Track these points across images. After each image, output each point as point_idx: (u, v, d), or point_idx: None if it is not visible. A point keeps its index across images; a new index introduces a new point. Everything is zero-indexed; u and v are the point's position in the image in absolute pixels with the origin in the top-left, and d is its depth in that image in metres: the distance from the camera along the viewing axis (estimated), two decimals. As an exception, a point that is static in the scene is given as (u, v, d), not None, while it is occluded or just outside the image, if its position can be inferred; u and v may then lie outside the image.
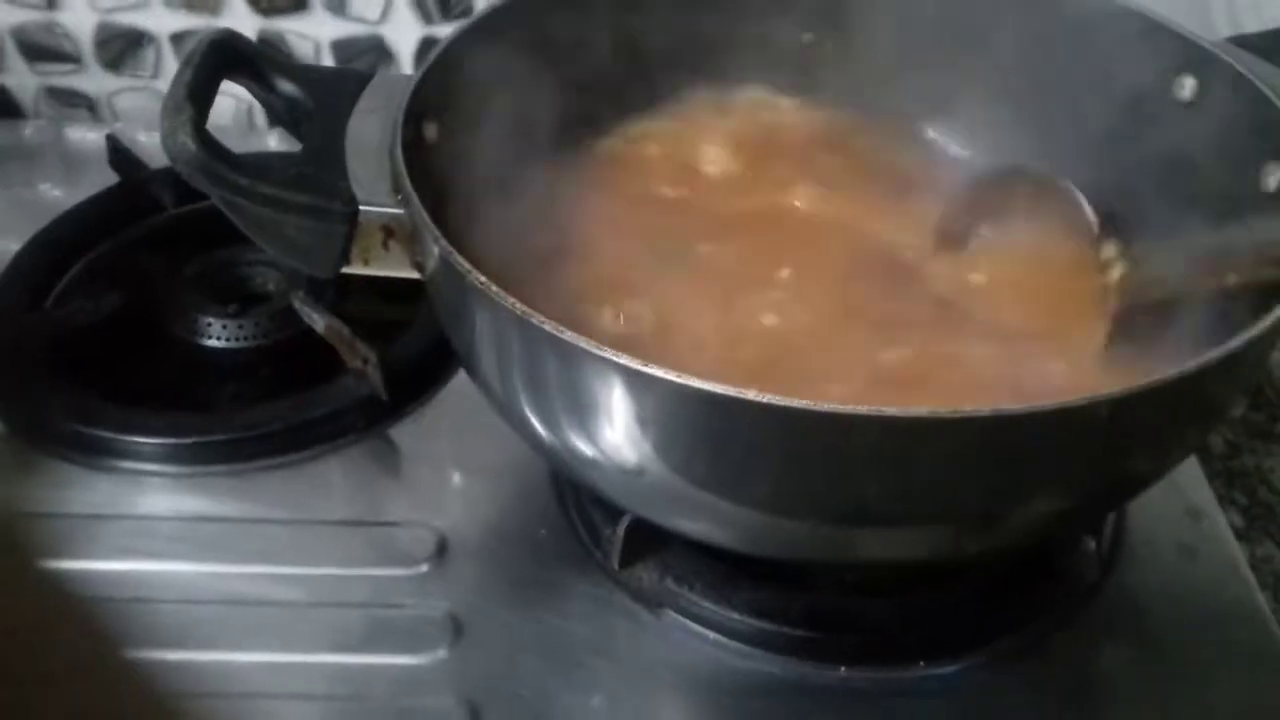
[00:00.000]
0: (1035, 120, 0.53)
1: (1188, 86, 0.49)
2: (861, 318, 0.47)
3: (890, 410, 0.34)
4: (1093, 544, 0.48)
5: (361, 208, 0.41)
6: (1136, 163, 0.50)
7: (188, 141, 0.38)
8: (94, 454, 0.51)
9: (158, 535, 0.48)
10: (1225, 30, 0.57)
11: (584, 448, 0.40)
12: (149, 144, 0.67)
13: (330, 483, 0.51)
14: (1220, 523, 0.52)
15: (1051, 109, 0.53)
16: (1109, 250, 0.48)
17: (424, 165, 0.44)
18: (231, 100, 0.71)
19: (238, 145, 0.44)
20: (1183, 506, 0.52)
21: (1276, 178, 0.46)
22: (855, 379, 0.44)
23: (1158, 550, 0.50)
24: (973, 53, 0.54)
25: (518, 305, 0.37)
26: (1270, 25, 0.51)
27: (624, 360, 0.35)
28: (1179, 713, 0.45)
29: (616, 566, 0.47)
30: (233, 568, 0.47)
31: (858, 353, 0.45)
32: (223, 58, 0.43)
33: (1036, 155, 0.52)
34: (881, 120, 0.56)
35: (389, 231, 0.41)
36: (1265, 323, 0.37)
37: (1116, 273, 0.47)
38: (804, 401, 0.34)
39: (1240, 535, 0.59)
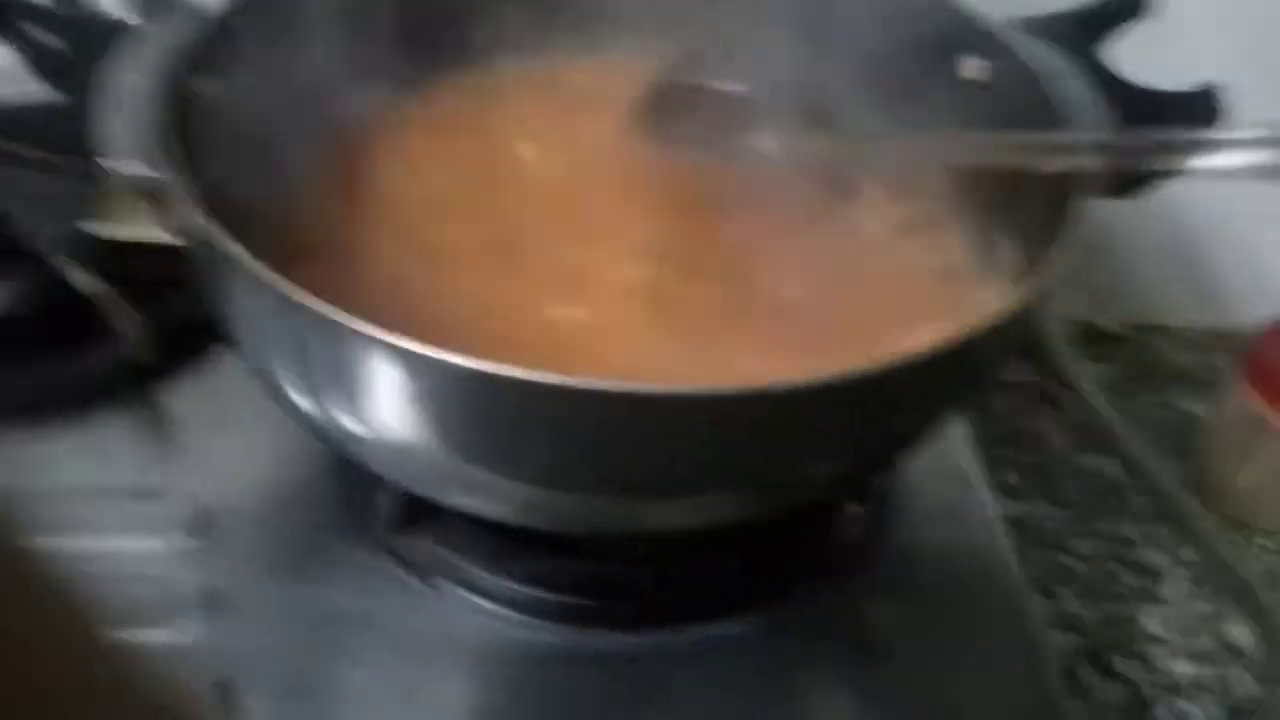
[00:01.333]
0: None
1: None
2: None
3: (642, 388, 0.34)
4: (857, 507, 0.50)
5: (112, 166, 0.38)
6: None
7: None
8: None
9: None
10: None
11: (350, 425, 0.39)
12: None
13: (89, 450, 0.49)
14: (982, 487, 0.54)
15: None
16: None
17: (193, 123, 0.41)
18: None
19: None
20: (949, 469, 0.54)
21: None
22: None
23: (925, 512, 0.52)
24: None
25: (273, 276, 0.35)
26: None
27: (385, 336, 0.34)
28: (942, 671, 0.46)
29: (388, 537, 0.46)
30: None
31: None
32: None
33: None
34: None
35: (146, 196, 0.39)
36: (1023, 295, 0.39)
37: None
38: (560, 377, 0.34)
39: (1015, 494, 0.62)
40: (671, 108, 0.51)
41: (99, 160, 0.38)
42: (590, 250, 0.47)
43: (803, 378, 0.34)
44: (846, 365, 0.35)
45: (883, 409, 0.39)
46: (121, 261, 0.52)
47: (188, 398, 0.51)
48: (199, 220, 0.36)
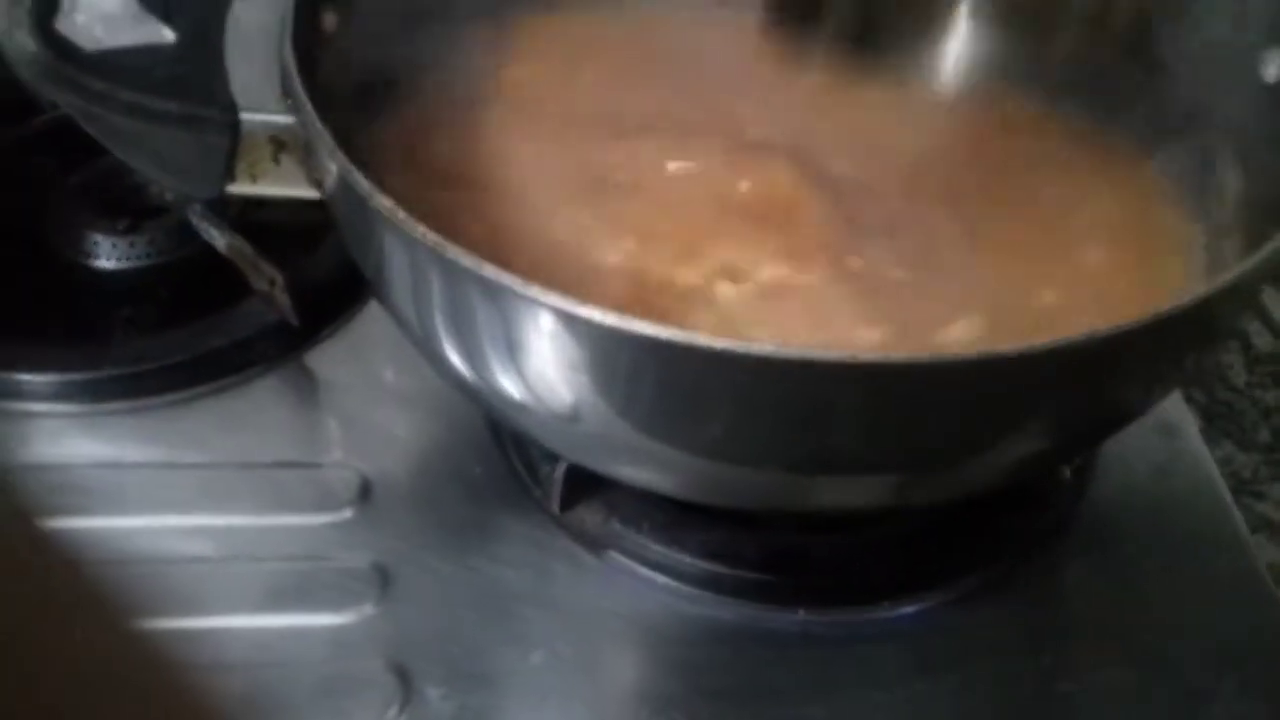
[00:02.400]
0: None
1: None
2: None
3: (856, 355, 0.30)
4: (1065, 471, 0.45)
5: (244, 116, 0.35)
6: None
7: (28, 41, 0.32)
8: (-29, 394, 0.45)
9: (46, 485, 0.44)
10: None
11: (512, 391, 0.35)
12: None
13: (240, 419, 0.46)
14: (1193, 436, 0.49)
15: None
16: None
17: (321, 62, 0.38)
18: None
19: (131, 39, 0.38)
20: (1155, 423, 0.49)
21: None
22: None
23: (1130, 472, 0.47)
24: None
25: (430, 235, 0.32)
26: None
27: (558, 301, 0.31)
28: (1153, 641, 0.42)
29: (558, 509, 0.43)
30: (133, 520, 0.43)
31: None
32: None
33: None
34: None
35: (279, 144, 0.36)
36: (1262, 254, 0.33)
37: None
38: (762, 346, 0.30)
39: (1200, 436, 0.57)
40: None
41: (234, 106, 0.35)
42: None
43: (1048, 341, 0.30)
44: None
45: (1109, 375, 0.34)
46: (258, 218, 0.50)
47: (335, 362, 0.49)
48: (346, 167, 0.33)
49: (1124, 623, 0.43)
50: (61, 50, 0.33)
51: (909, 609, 0.42)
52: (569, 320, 0.31)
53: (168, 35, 0.60)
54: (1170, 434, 0.49)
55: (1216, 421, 0.61)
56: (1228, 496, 0.47)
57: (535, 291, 0.31)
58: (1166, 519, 0.46)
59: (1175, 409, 0.50)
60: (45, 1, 0.34)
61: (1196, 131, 0.44)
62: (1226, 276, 0.33)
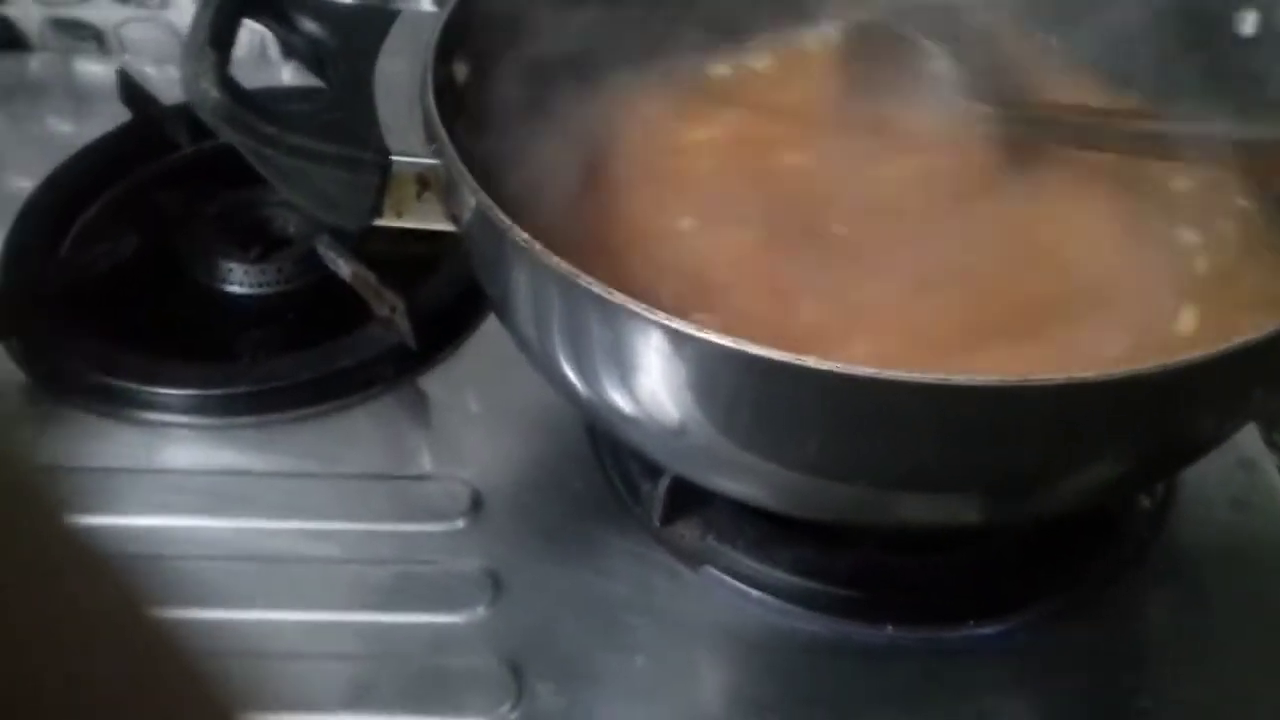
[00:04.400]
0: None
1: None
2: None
3: (948, 378, 0.32)
4: (1145, 500, 0.47)
5: (395, 158, 0.39)
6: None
7: (210, 89, 0.36)
8: (117, 405, 0.49)
9: (183, 489, 0.47)
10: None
11: (625, 406, 0.38)
12: (160, 78, 0.64)
13: (360, 434, 0.50)
14: (1271, 472, 0.50)
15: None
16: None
17: (456, 108, 0.42)
18: (244, 32, 0.68)
19: (251, 79, 0.42)
20: (1234, 458, 0.50)
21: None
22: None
23: (1209, 504, 0.49)
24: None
25: (561, 264, 0.35)
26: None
27: (673, 323, 0.34)
28: (1233, 668, 0.44)
29: (658, 524, 0.45)
30: (260, 523, 0.46)
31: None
32: (243, -1, 0.41)
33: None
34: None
35: (424, 182, 0.39)
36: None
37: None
38: (859, 368, 0.33)
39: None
40: (872, 53, 0.51)
41: (386, 150, 0.39)
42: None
43: (1115, 369, 0.32)
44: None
45: (1187, 404, 0.36)
46: (381, 248, 0.54)
47: (446, 384, 0.52)
48: (486, 204, 0.37)
49: (1201, 649, 0.44)
50: (239, 98, 0.37)
51: (991, 629, 0.44)
52: (678, 339, 0.34)
53: (281, 79, 0.65)
54: (1249, 469, 0.50)
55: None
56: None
57: (650, 312, 0.34)
58: (1243, 551, 0.48)
59: (1254, 446, 0.51)
60: (224, 55, 0.38)
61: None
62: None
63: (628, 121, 0.49)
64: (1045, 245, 0.45)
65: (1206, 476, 0.49)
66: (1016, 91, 0.49)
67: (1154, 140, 0.46)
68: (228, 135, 0.37)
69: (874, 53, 0.51)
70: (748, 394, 0.36)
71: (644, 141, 0.49)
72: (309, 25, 0.43)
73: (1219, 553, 0.48)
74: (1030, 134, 0.48)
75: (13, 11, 0.69)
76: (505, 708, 0.41)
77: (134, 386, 0.49)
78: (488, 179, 0.38)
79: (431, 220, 0.40)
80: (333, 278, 0.53)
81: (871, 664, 0.43)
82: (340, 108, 0.39)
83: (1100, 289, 0.43)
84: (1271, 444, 0.59)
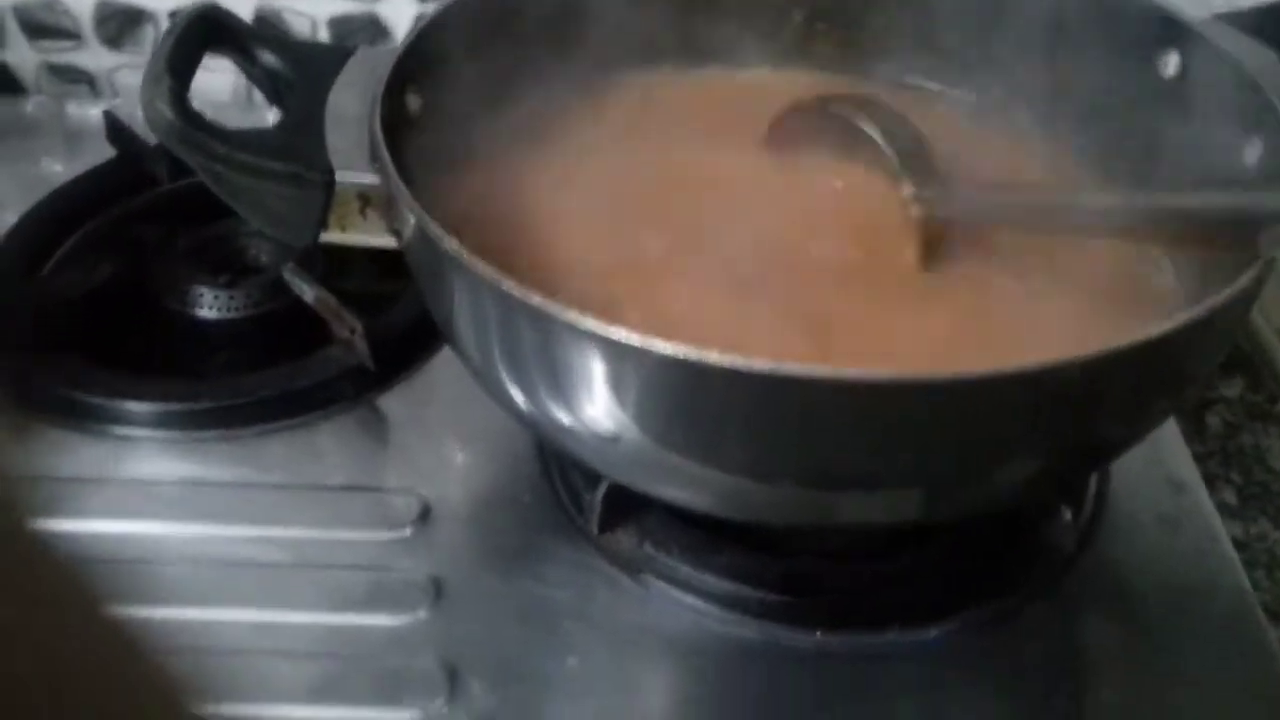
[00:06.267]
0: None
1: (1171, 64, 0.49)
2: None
3: (852, 373, 0.34)
4: (1069, 514, 0.49)
5: (338, 174, 0.41)
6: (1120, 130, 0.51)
7: (165, 110, 0.39)
8: (86, 419, 0.52)
9: (149, 498, 0.49)
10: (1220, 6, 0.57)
11: (560, 415, 0.40)
12: (147, 120, 0.68)
13: (319, 449, 0.52)
14: (1201, 495, 0.52)
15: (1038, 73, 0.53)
16: (906, 189, 0.48)
17: (407, 138, 0.44)
18: (230, 75, 0.72)
19: (237, 122, 0.45)
20: (1164, 477, 0.52)
21: (1257, 152, 0.46)
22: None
23: (1138, 521, 0.50)
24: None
25: (488, 270, 0.37)
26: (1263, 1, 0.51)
27: (593, 326, 0.36)
28: (1155, 684, 0.45)
29: (596, 531, 0.47)
30: (223, 529, 0.48)
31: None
32: (205, 30, 0.44)
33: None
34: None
35: (365, 200, 0.42)
36: (1229, 292, 0.37)
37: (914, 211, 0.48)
38: (765, 363, 0.35)
39: (1235, 514, 0.59)
40: (804, 128, 0.51)
41: (330, 168, 0.42)
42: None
43: (1018, 363, 0.34)
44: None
45: (1090, 400, 0.38)
46: (342, 274, 0.56)
47: (403, 404, 0.54)
48: (421, 216, 0.39)
49: (1122, 661, 0.46)
50: (192, 120, 0.40)
51: (916, 636, 0.46)
52: (592, 338, 0.36)
53: (266, 121, 0.68)
54: (1178, 489, 0.52)
55: (1252, 502, 0.63)
56: (1230, 548, 0.50)
57: (563, 312, 0.36)
58: (1169, 568, 0.49)
59: (1184, 466, 0.53)
60: (181, 81, 0.41)
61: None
62: (1191, 314, 0.37)
63: (573, 149, 0.52)
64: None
65: (1136, 494, 0.51)
66: (946, 172, 0.50)
67: (1094, 217, 0.46)
68: (181, 153, 0.40)
69: (806, 130, 0.51)
70: (662, 393, 0.38)
71: (581, 166, 0.51)
72: (269, 59, 0.45)
73: (1145, 568, 0.49)
74: (961, 215, 0.48)
75: (9, 57, 0.73)
76: (439, 702, 0.42)
77: (101, 400, 0.51)
78: (436, 208, 0.41)
79: (376, 235, 0.43)
80: (298, 304, 0.55)
81: (801, 668, 0.45)
82: (291, 132, 0.42)
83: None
84: (1229, 481, 0.61)
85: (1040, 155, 0.54)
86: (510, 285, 0.37)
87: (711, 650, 0.45)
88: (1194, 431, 0.57)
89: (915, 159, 0.49)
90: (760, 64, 0.57)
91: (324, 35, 0.72)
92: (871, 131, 0.49)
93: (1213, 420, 0.64)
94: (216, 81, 0.70)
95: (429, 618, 0.45)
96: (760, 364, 0.34)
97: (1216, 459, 0.61)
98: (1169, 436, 0.53)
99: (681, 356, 0.35)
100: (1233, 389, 0.66)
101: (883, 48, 0.57)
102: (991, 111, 0.56)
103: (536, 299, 0.36)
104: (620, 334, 0.36)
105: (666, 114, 0.54)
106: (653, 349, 0.35)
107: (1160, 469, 0.52)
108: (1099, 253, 0.48)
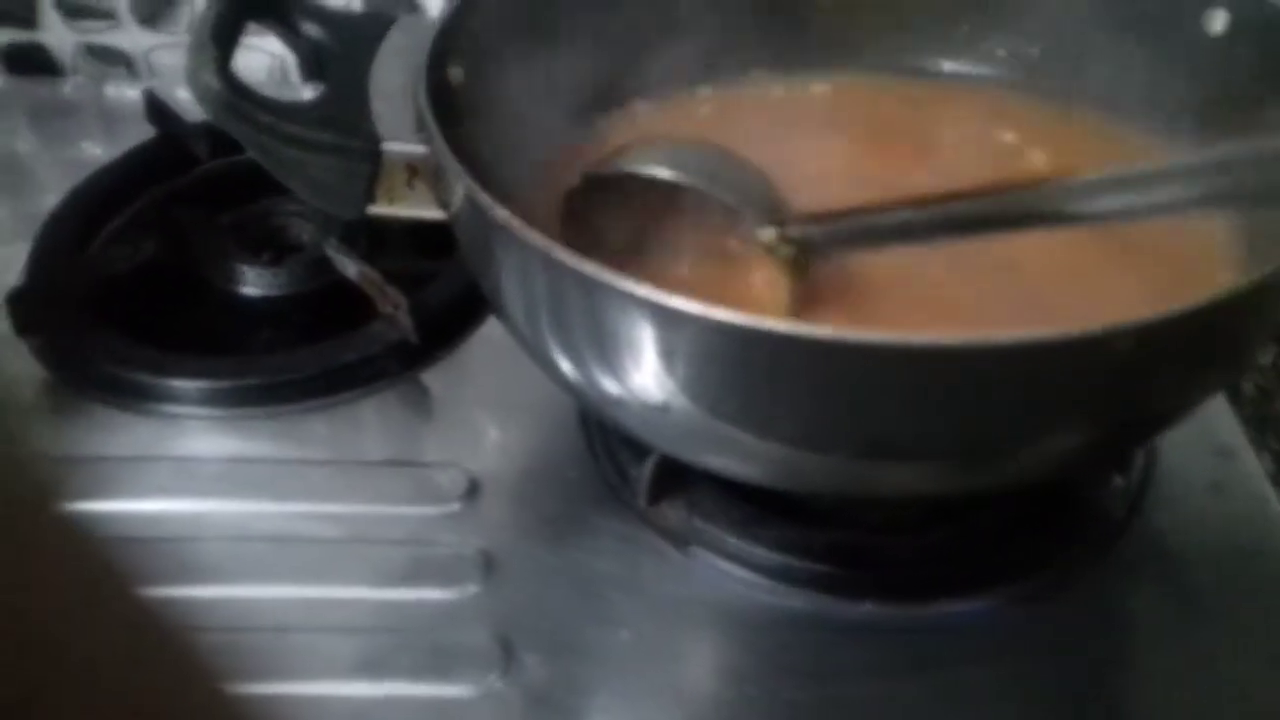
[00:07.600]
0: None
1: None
2: None
3: (916, 339, 0.34)
4: (1120, 481, 0.48)
5: (384, 146, 0.41)
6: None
7: (210, 80, 0.39)
8: (132, 397, 0.52)
9: (196, 476, 0.50)
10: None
11: (609, 385, 0.40)
12: (186, 99, 0.67)
13: (365, 425, 0.52)
14: (1250, 460, 0.51)
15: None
16: (768, 234, 0.45)
17: (449, 109, 0.44)
18: (265, 55, 0.72)
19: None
20: (1213, 445, 0.51)
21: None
22: None
23: (1187, 488, 0.50)
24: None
25: (538, 238, 0.37)
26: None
27: (644, 292, 0.35)
28: (1206, 650, 0.44)
29: (644, 505, 0.47)
30: (270, 506, 0.48)
31: None
32: (246, 1, 0.43)
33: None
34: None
35: (413, 170, 0.42)
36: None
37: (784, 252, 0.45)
38: (823, 330, 0.34)
39: (1272, 481, 0.59)
40: (602, 197, 0.46)
41: (375, 138, 0.41)
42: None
43: (1069, 329, 0.34)
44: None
45: (1155, 365, 0.37)
46: (383, 251, 0.56)
47: (446, 379, 0.54)
48: (470, 186, 0.39)
49: (1173, 630, 0.45)
50: (237, 89, 0.40)
51: (965, 607, 0.46)
52: (645, 305, 0.36)
53: (304, 96, 0.68)
54: (1228, 456, 0.51)
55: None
56: (1280, 512, 0.49)
57: (617, 279, 0.35)
58: (1219, 535, 0.49)
59: (1233, 433, 0.52)
60: (224, 51, 0.41)
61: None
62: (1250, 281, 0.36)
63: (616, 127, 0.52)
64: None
65: (1184, 462, 0.51)
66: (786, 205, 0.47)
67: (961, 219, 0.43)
68: (225, 123, 0.40)
69: (612, 199, 0.46)
70: (714, 362, 0.37)
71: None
72: (310, 29, 0.45)
73: (1195, 536, 0.49)
74: (820, 242, 0.45)
75: (48, 38, 0.73)
76: (493, 676, 0.42)
77: (148, 378, 0.52)
78: (481, 177, 0.40)
79: (423, 208, 0.43)
80: (341, 282, 0.55)
81: (850, 639, 0.44)
82: (336, 102, 0.42)
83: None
84: (1265, 449, 0.60)
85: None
86: (562, 253, 0.37)
87: (760, 622, 0.45)
88: (1229, 398, 0.56)
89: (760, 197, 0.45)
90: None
91: (358, 5, 0.72)
92: (695, 181, 0.45)
93: (1246, 387, 0.63)
94: (254, 60, 0.70)
95: (480, 591, 0.45)
96: (819, 331, 0.34)
97: (1251, 426, 0.60)
98: (1216, 405, 0.53)
99: (737, 323, 0.35)
100: (1265, 355, 0.65)
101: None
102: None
103: (589, 266, 0.36)
104: (674, 301, 0.35)
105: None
106: (707, 316, 0.35)
107: (1208, 437, 0.52)
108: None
